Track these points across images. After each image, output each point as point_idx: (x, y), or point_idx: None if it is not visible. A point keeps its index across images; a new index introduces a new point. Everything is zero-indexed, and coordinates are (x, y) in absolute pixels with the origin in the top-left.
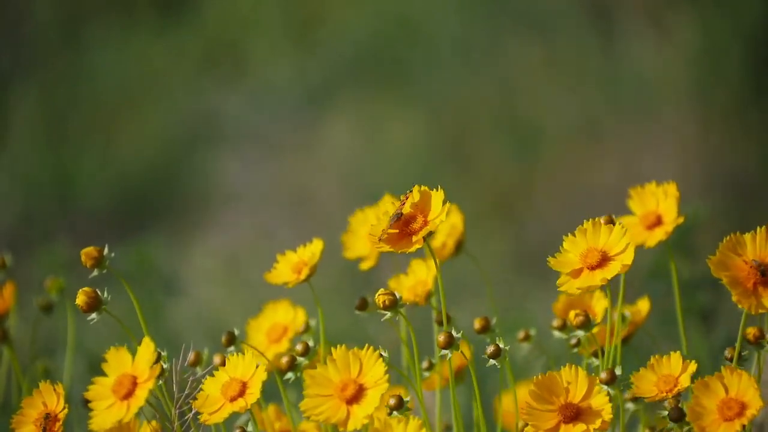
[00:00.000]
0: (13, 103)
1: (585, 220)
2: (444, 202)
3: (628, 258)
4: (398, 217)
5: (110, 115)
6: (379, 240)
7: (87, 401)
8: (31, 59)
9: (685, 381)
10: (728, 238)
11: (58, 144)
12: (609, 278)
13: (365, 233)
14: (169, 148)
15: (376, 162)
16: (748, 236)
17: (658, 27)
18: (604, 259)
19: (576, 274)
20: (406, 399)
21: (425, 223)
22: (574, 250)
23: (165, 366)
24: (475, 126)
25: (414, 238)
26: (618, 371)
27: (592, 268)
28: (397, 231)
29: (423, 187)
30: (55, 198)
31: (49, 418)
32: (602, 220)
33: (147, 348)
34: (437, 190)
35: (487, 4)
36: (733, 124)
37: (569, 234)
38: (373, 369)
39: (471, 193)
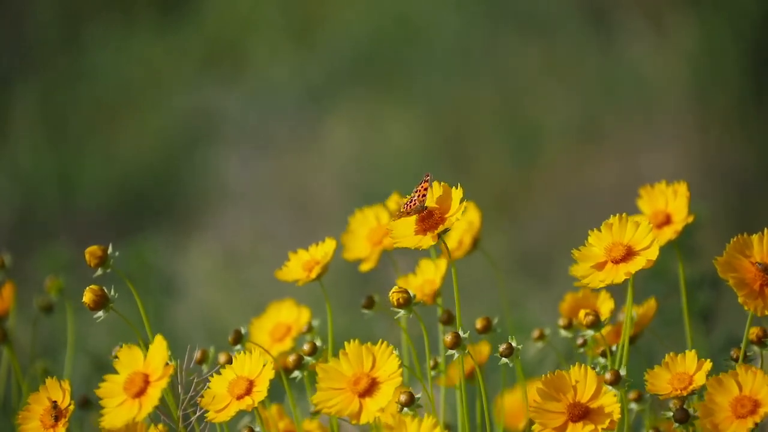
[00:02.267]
0: (13, 103)
1: (584, 220)
2: (462, 200)
3: (653, 254)
4: (421, 208)
5: (110, 115)
6: (396, 219)
7: (87, 402)
8: (31, 59)
9: (699, 379)
10: (735, 239)
11: (58, 144)
12: (633, 272)
13: (365, 234)
14: (169, 147)
15: (376, 161)
16: (755, 237)
17: (658, 27)
18: (628, 254)
19: (600, 266)
20: (417, 395)
21: (442, 219)
22: (598, 244)
23: (173, 364)
24: (475, 126)
25: (429, 234)
26: (623, 372)
27: (617, 261)
28: (415, 218)
29: (443, 184)
30: (55, 198)
31: (57, 407)
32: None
33: (160, 346)
34: (456, 188)
35: (487, 4)
36: (732, 124)
37: (594, 229)
38: (387, 363)
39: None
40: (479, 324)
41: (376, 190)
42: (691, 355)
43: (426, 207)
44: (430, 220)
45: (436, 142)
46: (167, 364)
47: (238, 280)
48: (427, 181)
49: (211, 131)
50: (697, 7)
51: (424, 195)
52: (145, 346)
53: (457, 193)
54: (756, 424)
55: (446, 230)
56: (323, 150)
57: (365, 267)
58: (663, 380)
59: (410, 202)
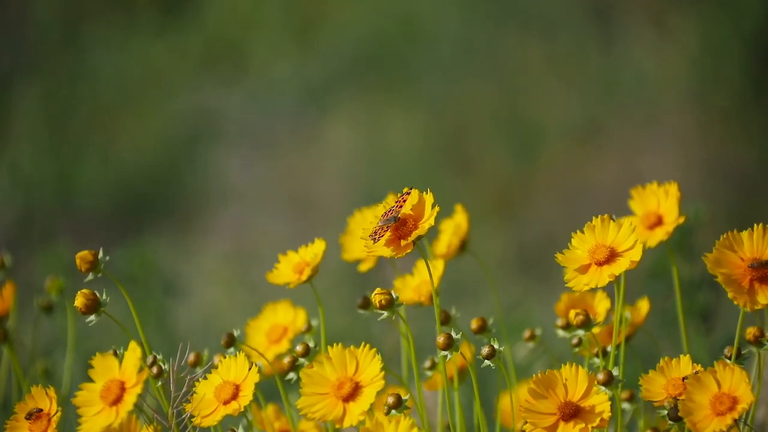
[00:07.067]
0: (13, 103)
1: (585, 220)
2: (433, 206)
3: (636, 254)
4: (395, 220)
5: (110, 115)
6: (371, 239)
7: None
8: (32, 59)
9: None
10: (725, 235)
11: (59, 144)
12: (617, 274)
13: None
14: (169, 148)
15: (377, 162)
16: (744, 234)
17: (658, 27)
18: (612, 255)
19: (584, 269)
20: (404, 398)
21: (415, 226)
22: (582, 246)
23: (164, 367)
24: (476, 126)
25: (403, 242)
26: (616, 372)
27: (600, 263)
28: (390, 234)
29: (413, 190)
30: (56, 198)
31: (34, 414)
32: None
33: (134, 353)
34: (427, 194)
35: (488, 4)
36: (733, 124)
37: (577, 231)
38: (369, 367)
39: (471, 193)
40: (474, 324)
41: (378, 190)
42: (685, 360)
43: (399, 216)
44: (404, 228)
45: (437, 141)
46: (140, 370)
47: (239, 280)
48: (407, 194)
49: (212, 131)
50: (697, 7)
51: (400, 206)
52: (141, 348)
53: (428, 199)
54: (735, 421)
55: (420, 237)
56: (324, 150)
57: (363, 267)
58: (658, 385)
59: (388, 212)
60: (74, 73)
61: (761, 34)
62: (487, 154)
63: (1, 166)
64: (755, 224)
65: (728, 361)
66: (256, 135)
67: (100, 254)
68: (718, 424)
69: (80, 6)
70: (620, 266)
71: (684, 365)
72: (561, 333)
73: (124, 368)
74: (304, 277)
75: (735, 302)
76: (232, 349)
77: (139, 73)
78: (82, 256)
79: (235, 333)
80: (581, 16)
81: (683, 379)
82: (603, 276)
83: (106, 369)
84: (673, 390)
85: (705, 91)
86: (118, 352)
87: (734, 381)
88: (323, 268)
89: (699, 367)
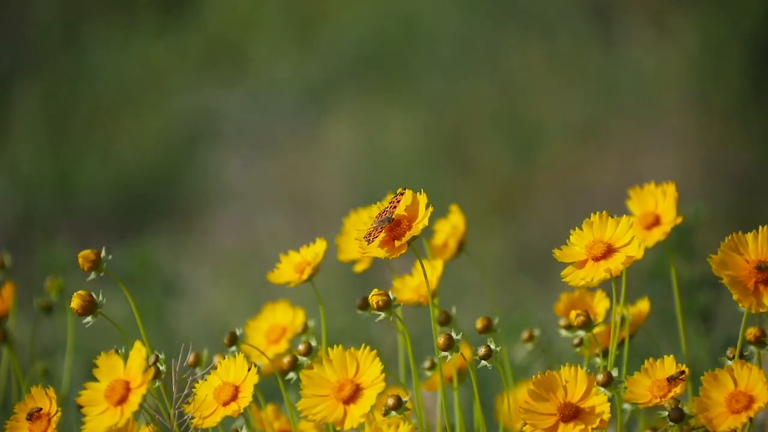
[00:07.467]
0: (13, 103)
1: (584, 220)
2: (427, 206)
3: (633, 250)
4: (388, 221)
5: (110, 115)
6: (365, 240)
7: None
8: (32, 59)
9: (679, 386)
10: (730, 237)
11: (59, 144)
12: (612, 268)
13: None
14: (169, 148)
15: (377, 162)
16: (749, 236)
17: (658, 27)
18: (609, 251)
19: (581, 265)
20: (404, 399)
21: (409, 227)
22: (580, 242)
23: (162, 368)
24: (476, 126)
25: (397, 243)
26: (615, 373)
27: (597, 259)
28: (385, 234)
29: (407, 190)
30: (55, 198)
31: (34, 414)
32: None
33: (139, 353)
34: (420, 194)
35: (488, 4)
36: (733, 124)
37: (575, 229)
38: (369, 369)
39: (471, 193)
40: (480, 324)
41: (378, 190)
42: (669, 361)
43: (392, 217)
44: (398, 229)
45: (437, 141)
46: (145, 370)
47: (239, 280)
48: (401, 194)
49: (211, 131)
50: (697, 7)
51: (394, 207)
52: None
53: (422, 199)
54: (750, 419)
55: (414, 237)
56: (324, 150)
57: (359, 268)
58: (642, 387)
59: (382, 213)
60: (74, 73)
61: (761, 34)
62: (487, 154)
63: (1, 166)
64: (760, 226)
65: (731, 363)
66: (256, 135)
67: (103, 253)
68: (733, 421)
69: (80, 6)
70: (617, 261)
71: (668, 366)
72: (564, 333)
73: (129, 368)
74: (304, 276)
75: (740, 304)
76: (234, 348)
77: (139, 73)
78: (85, 255)
79: (238, 332)
80: (581, 16)
81: (667, 379)
82: (599, 270)
83: (110, 368)
84: (657, 391)
85: (705, 91)
86: (119, 351)
87: (751, 380)
88: (323, 268)
89: (684, 367)
